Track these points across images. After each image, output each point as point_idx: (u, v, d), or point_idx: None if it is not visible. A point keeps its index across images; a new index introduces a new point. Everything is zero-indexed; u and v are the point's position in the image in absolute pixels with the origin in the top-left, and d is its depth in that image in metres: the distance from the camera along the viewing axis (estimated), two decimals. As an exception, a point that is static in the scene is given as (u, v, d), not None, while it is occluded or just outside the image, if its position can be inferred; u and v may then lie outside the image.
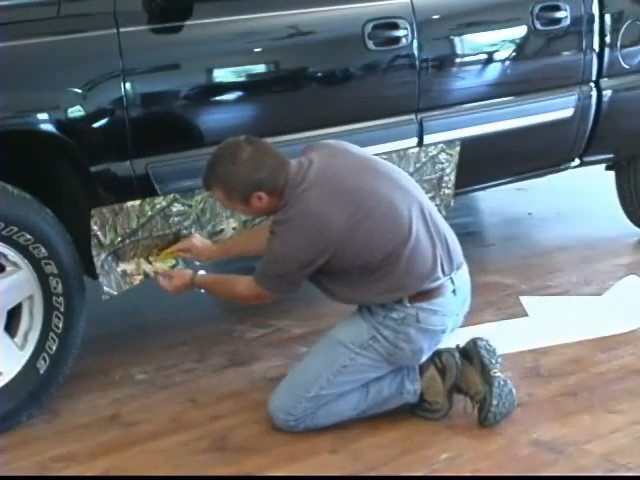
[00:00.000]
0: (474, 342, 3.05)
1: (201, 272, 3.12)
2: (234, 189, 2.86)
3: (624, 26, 4.22)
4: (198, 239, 3.21)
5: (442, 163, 3.70)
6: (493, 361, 3.01)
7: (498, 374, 2.98)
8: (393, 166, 3.10)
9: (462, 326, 3.09)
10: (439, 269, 2.91)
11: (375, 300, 2.91)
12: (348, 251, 2.82)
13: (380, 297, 2.90)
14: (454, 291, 2.95)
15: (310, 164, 2.88)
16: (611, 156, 4.53)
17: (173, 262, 3.27)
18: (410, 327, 2.89)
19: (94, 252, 3.02)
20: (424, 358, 3.00)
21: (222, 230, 3.32)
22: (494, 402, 2.95)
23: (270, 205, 2.88)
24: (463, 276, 3.01)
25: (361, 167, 2.94)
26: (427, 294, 2.89)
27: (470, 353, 3.03)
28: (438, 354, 3.03)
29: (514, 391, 2.99)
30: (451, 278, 2.94)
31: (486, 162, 3.99)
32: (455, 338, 3.08)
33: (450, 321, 2.96)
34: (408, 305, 2.88)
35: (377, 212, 2.84)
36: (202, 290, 3.12)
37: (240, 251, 3.26)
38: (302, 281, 2.91)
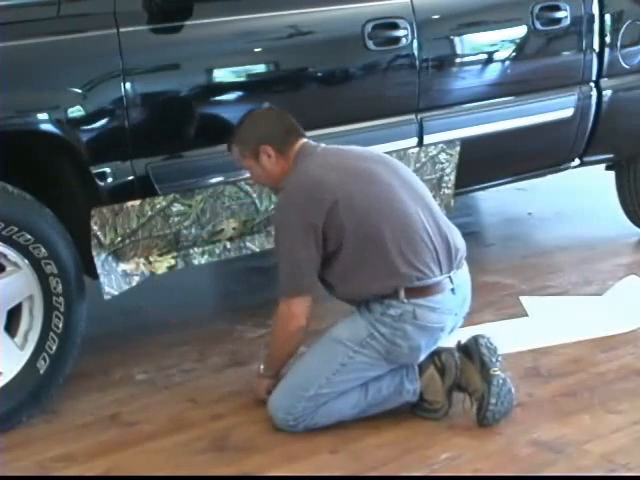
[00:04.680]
0: (475, 339, 3.05)
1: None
2: (247, 142, 3.04)
3: (624, 26, 4.22)
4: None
5: (442, 163, 3.70)
6: (493, 359, 3.01)
7: (498, 373, 2.98)
8: (400, 162, 3.19)
9: (462, 326, 3.09)
10: (436, 265, 2.92)
11: (371, 288, 2.92)
12: (341, 217, 2.86)
13: (375, 285, 2.91)
14: (453, 290, 2.96)
15: (326, 145, 3.06)
16: (611, 156, 4.53)
17: (172, 263, 3.27)
18: (407, 324, 2.89)
19: (94, 252, 3.02)
20: (422, 356, 3.00)
21: (222, 230, 3.32)
22: (492, 400, 2.95)
23: (280, 167, 3.02)
24: (463, 276, 3.02)
25: (369, 156, 3.07)
26: (424, 290, 2.91)
27: (471, 350, 3.03)
28: (437, 353, 3.04)
29: (513, 390, 2.99)
30: (450, 276, 2.95)
31: (486, 162, 3.99)
32: (455, 337, 3.08)
33: (449, 320, 2.97)
34: (405, 301, 2.89)
35: (373, 188, 2.94)
36: (278, 373, 3.08)
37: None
38: (314, 266, 2.92)
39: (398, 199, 2.95)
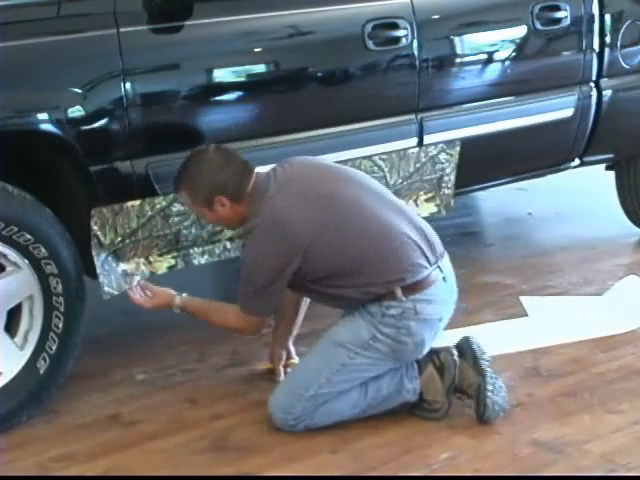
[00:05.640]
0: (466, 338, 3.09)
1: (184, 295, 3.11)
2: (197, 191, 2.92)
3: (624, 26, 4.21)
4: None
5: (442, 163, 3.70)
6: (484, 357, 3.04)
7: (489, 369, 3.00)
8: (362, 173, 3.18)
9: (462, 326, 3.09)
10: (424, 259, 2.95)
11: (362, 299, 2.93)
12: (318, 253, 2.85)
13: (368, 296, 2.92)
14: (444, 278, 2.99)
15: (278, 172, 2.96)
16: (611, 156, 4.53)
17: (172, 263, 3.27)
18: (410, 320, 2.91)
19: (94, 252, 3.02)
20: (426, 350, 3.01)
21: (222, 230, 3.32)
22: (489, 388, 2.96)
23: (236, 213, 2.94)
24: (448, 263, 3.06)
25: (331, 173, 3.03)
26: (419, 285, 2.92)
27: (463, 348, 3.07)
28: (436, 353, 3.05)
29: (504, 387, 3.00)
30: (439, 266, 2.98)
31: (486, 162, 3.99)
32: (454, 339, 3.09)
33: (444, 309, 3.00)
34: (404, 299, 2.90)
35: (348, 213, 2.91)
36: (182, 312, 3.12)
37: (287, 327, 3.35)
38: (282, 293, 2.94)
39: (374, 214, 2.93)
